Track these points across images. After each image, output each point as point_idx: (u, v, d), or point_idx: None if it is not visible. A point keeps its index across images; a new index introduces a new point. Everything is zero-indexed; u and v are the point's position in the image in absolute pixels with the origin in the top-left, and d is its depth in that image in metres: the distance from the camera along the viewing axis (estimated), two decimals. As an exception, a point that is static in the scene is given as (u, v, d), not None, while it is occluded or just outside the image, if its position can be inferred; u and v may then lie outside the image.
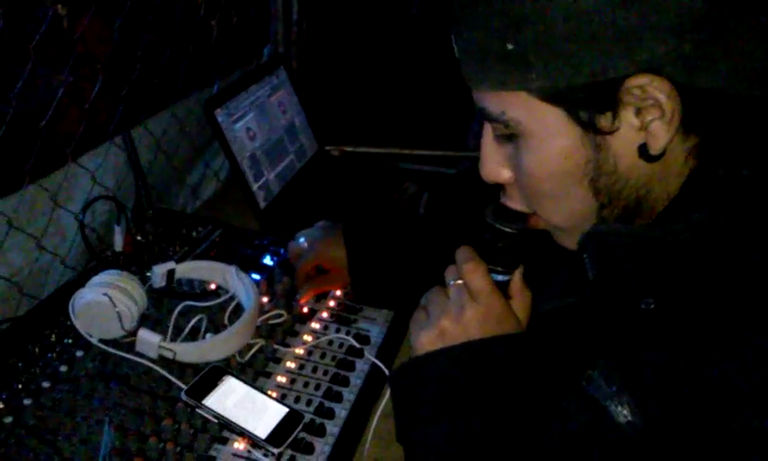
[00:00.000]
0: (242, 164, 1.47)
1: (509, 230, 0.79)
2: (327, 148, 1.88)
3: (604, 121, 0.66)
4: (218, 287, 1.22)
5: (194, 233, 1.38)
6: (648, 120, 0.65)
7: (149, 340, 1.03)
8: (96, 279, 1.09)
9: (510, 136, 0.72)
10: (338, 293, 1.24)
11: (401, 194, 1.70)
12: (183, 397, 0.97)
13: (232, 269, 1.18)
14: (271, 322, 1.15)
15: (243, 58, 1.82)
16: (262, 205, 1.50)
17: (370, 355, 1.11)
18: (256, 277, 1.24)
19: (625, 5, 0.60)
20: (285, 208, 1.55)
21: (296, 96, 1.78)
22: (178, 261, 1.21)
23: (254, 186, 1.49)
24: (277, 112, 1.68)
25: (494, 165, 0.77)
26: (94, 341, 1.06)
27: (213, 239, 1.37)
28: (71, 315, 1.06)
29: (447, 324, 0.79)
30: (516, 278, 0.82)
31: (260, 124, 1.58)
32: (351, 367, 1.09)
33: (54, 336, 1.08)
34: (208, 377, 1.00)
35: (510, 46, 0.65)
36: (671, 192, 0.70)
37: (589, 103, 0.65)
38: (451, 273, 0.82)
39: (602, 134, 0.66)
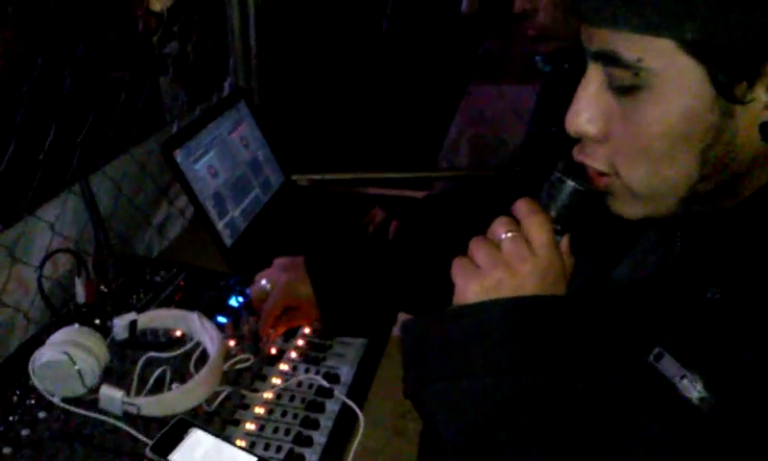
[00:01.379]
0: (205, 204, 1.45)
1: (582, 187, 0.75)
2: (294, 178, 1.87)
3: (738, 89, 0.64)
4: (183, 334, 1.19)
5: (158, 278, 1.36)
6: None
7: (111, 396, 1.01)
8: (55, 336, 1.07)
9: (630, 88, 0.68)
10: (306, 330, 1.22)
11: (370, 221, 1.69)
12: (149, 453, 0.95)
13: (194, 316, 1.16)
14: (238, 366, 1.13)
15: (202, 93, 1.80)
16: (228, 243, 1.48)
17: (340, 395, 1.09)
18: (222, 319, 1.22)
19: None
20: (253, 244, 1.53)
21: (258, 129, 1.77)
22: (140, 310, 1.19)
23: (219, 225, 1.47)
24: (240, 147, 1.67)
25: (590, 117, 0.72)
26: (56, 400, 1.03)
27: (177, 283, 1.35)
28: (31, 375, 1.04)
29: (503, 274, 0.73)
30: (565, 242, 0.78)
31: (222, 160, 1.56)
32: (321, 408, 1.07)
33: (15, 397, 1.05)
34: (173, 431, 0.97)
35: None
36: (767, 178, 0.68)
37: (732, 67, 0.63)
38: (504, 224, 0.76)
39: (733, 103, 0.64)
